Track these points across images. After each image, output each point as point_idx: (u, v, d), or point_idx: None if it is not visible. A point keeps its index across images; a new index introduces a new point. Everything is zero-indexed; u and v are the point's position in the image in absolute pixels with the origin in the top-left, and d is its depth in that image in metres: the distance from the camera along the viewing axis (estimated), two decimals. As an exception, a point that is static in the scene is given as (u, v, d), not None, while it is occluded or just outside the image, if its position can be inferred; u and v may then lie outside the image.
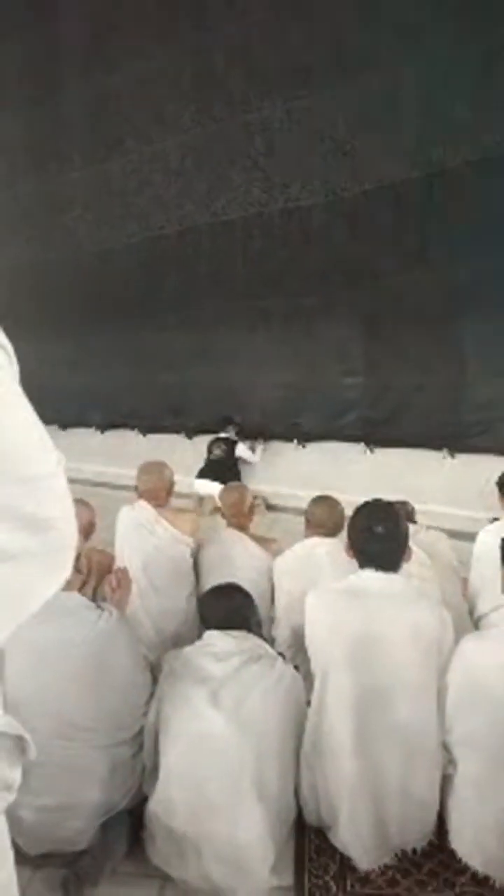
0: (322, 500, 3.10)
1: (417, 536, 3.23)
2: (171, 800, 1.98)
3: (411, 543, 2.32)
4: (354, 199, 5.75)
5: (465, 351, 5.46)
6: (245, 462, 6.29)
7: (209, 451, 6.33)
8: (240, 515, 3.27)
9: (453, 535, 4.28)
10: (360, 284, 5.86)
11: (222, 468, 6.08)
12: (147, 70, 6.77)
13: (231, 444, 6.29)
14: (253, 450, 6.39)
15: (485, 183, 5.18)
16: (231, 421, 6.45)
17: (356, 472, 5.76)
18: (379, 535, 2.13)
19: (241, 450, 6.28)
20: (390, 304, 5.76)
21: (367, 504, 2.27)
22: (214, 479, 5.95)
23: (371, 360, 5.90)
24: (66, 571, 0.86)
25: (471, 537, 3.39)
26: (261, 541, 3.22)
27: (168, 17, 6.58)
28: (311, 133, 5.92)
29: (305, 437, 6.34)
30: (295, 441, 6.39)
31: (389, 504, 2.26)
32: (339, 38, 5.66)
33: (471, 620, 3.09)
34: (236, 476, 6.03)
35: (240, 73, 6.28)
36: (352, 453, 6.01)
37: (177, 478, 3.36)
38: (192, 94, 6.61)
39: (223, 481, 5.83)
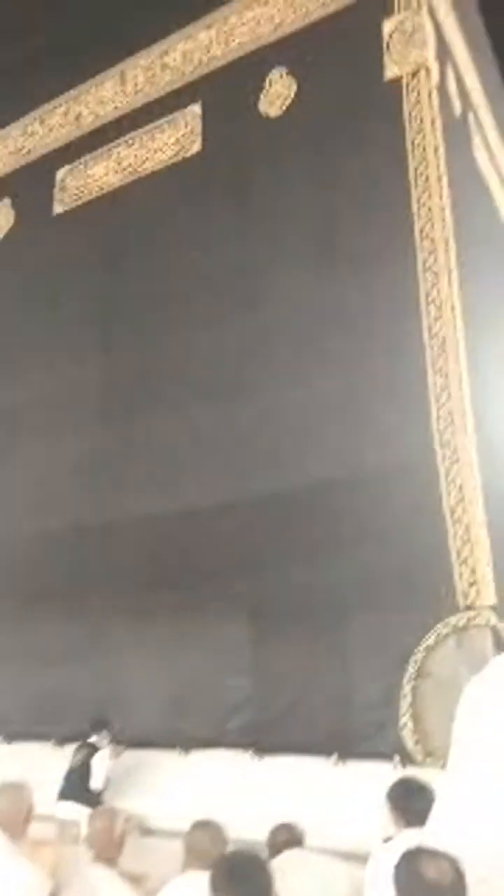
0: (203, 827, 2.79)
1: (308, 867, 2.96)
2: None
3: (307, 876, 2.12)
4: (243, 503, 6.20)
5: (351, 649, 5.51)
6: (117, 774, 5.65)
7: (73, 757, 5.63)
8: (109, 847, 2.85)
9: (346, 856, 3.92)
10: (248, 582, 6.02)
11: (81, 782, 5.39)
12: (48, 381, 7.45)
13: (91, 751, 5.57)
14: (117, 755, 5.64)
15: (359, 493, 5.75)
16: (104, 724, 5.76)
17: (244, 785, 5.30)
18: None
19: (96, 760, 5.50)
20: (277, 601, 5.89)
21: (231, 859, 2.08)
22: (75, 798, 5.28)
23: (259, 659, 5.81)
24: None
25: (365, 859, 3.14)
26: (131, 878, 2.80)
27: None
28: (205, 443, 6.56)
29: (189, 745, 5.88)
30: (178, 748, 5.90)
31: (255, 857, 2.08)
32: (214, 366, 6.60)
33: None
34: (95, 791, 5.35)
35: (137, 383, 7.12)
36: (238, 762, 5.57)
37: (44, 794, 2.98)
38: (97, 398, 7.33)
39: (85, 801, 5.15)
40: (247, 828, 3.60)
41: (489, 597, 5.10)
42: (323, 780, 5.22)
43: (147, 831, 5.38)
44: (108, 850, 2.85)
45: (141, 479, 6.80)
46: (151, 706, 6.07)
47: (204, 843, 2.72)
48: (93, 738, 5.67)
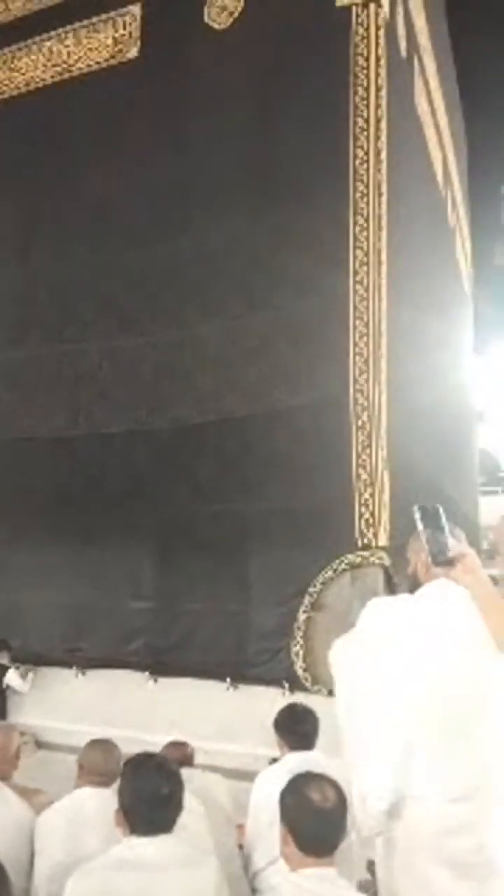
0: (97, 745, 2.92)
1: (192, 783, 3.13)
2: None
3: (192, 792, 2.24)
4: (156, 433, 6.20)
5: (251, 580, 5.71)
6: (14, 692, 5.79)
7: None
8: (3, 762, 2.94)
9: (232, 774, 4.16)
10: (156, 510, 6.09)
11: None
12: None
13: (0, 671, 5.80)
14: (24, 677, 5.90)
15: (272, 432, 5.86)
16: (4, 644, 5.97)
17: (138, 705, 5.53)
18: (153, 796, 2.04)
19: (11, 677, 5.79)
20: (183, 530, 6.00)
21: (139, 759, 2.19)
22: None
23: (161, 585, 5.96)
24: None
25: (250, 777, 3.34)
26: (25, 792, 2.89)
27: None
28: (122, 368, 6.45)
29: (86, 665, 6.02)
30: (74, 668, 6.03)
31: (164, 760, 2.20)
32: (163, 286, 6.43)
33: (245, 877, 2.94)
34: (2, 706, 5.51)
35: (55, 299, 6.88)
36: (134, 683, 5.77)
37: None
38: (12, 311, 7.08)
39: None
40: (140, 745, 3.77)
41: (384, 538, 5.38)
42: (215, 702, 5.50)
43: (42, 746, 5.55)
44: (2, 767, 2.94)
45: (54, 401, 6.64)
46: (51, 626, 6.14)
47: (96, 760, 2.85)
48: None
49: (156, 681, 5.76)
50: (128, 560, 6.07)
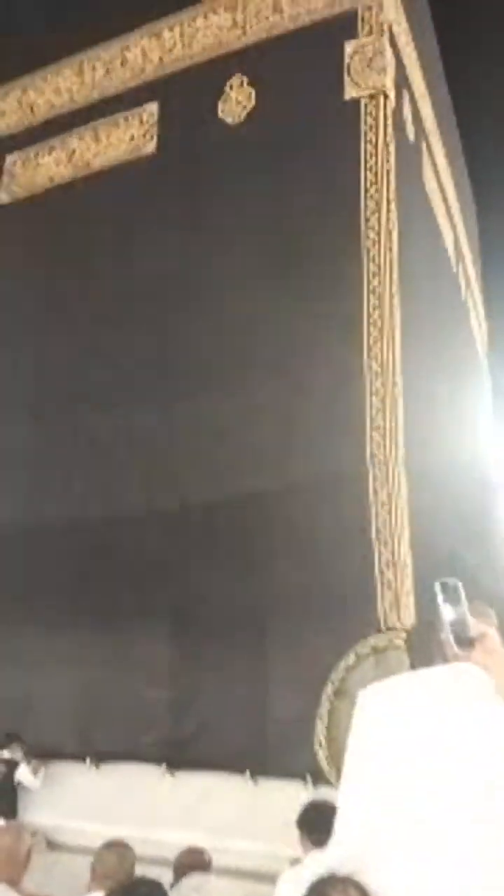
0: (112, 848, 2.77)
1: (204, 890, 2.95)
2: None
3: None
4: (171, 511, 6.14)
5: (269, 664, 5.50)
6: (24, 787, 5.54)
7: None
8: (13, 865, 2.76)
9: (251, 875, 3.92)
10: (170, 592, 5.96)
11: (5, 797, 5.32)
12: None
13: (11, 766, 5.55)
14: (35, 772, 5.63)
15: (289, 508, 5.77)
16: (16, 738, 5.69)
17: (154, 801, 5.26)
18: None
19: (22, 773, 5.54)
20: (199, 614, 5.84)
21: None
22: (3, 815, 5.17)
23: (177, 673, 5.75)
24: None
25: (270, 879, 3.14)
26: (35, 900, 2.71)
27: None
28: (138, 447, 6.47)
29: (100, 757, 5.76)
30: (88, 761, 5.77)
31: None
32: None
33: None
34: (13, 804, 5.26)
35: (71, 381, 6.95)
36: (151, 777, 5.50)
37: None
38: (28, 395, 7.14)
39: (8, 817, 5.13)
40: (156, 846, 3.57)
41: (408, 618, 5.19)
42: (235, 797, 5.21)
43: (54, 846, 5.27)
44: (11, 870, 2.75)
45: (68, 481, 6.67)
46: (64, 717, 5.93)
47: (111, 864, 2.69)
48: (5, 753, 5.57)
49: (172, 774, 5.49)
50: (142, 645, 5.89)
